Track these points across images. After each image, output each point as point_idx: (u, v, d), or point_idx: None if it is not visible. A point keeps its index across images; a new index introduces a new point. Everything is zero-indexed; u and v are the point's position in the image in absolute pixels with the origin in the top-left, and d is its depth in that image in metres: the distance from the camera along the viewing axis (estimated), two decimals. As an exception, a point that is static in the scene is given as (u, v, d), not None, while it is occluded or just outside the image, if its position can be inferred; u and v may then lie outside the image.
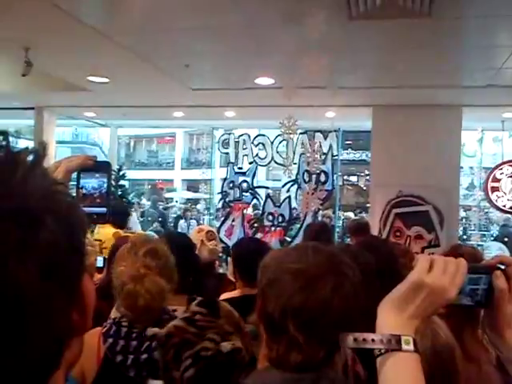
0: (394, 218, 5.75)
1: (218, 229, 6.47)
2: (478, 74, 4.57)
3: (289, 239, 6.43)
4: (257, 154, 6.71)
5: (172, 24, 3.45)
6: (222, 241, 5.90)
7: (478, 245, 8.33)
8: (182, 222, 12.89)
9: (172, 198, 18.72)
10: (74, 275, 0.48)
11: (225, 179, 6.95)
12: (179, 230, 10.71)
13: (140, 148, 24.21)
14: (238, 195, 6.77)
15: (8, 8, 3.18)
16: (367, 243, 1.94)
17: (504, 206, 6.08)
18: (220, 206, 7.11)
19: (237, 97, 5.69)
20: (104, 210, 1.14)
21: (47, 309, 0.43)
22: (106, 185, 1.14)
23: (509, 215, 8.50)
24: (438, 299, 0.83)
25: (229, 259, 4.31)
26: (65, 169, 1.09)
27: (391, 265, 1.64)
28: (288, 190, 6.62)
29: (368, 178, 10.23)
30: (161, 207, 15.33)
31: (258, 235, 6.37)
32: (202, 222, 12.45)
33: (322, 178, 6.34)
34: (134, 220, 8.48)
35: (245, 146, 6.75)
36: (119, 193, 8.24)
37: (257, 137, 6.81)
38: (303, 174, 6.44)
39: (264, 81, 4.93)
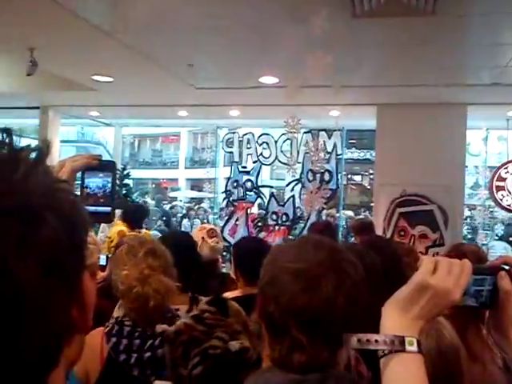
0: (399, 217, 5.73)
1: (222, 228, 6.48)
2: (483, 72, 4.54)
3: (293, 238, 6.42)
4: (261, 153, 6.71)
5: (176, 23, 3.46)
6: (225, 240, 5.90)
7: (483, 244, 8.29)
8: (185, 221, 12.87)
9: (176, 197, 18.73)
10: (74, 273, 0.48)
11: (229, 178, 6.95)
12: (183, 229, 10.72)
13: (144, 147, 24.21)
14: (241, 194, 6.77)
15: (11, 7, 3.20)
16: (371, 243, 1.93)
17: (509, 205, 6.05)
18: (224, 205, 7.10)
19: (241, 96, 5.68)
20: (108, 209, 1.13)
21: (46, 305, 0.43)
22: (110, 184, 1.14)
23: (514, 214, 8.44)
24: (442, 301, 0.83)
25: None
26: (70, 168, 1.08)
27: (395, 265, 1.63)
28: (292, 189, 6.61)
29: (372, 177, 10.19)
30: (166, 206, 15.33)
31: (262, 234, 6.38)
32: (206, 221, 12.43)
33: (326, 177, 6.33)
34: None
35: (249, 145, 6.75)
36: (123, 192, 8.25)
37: (261, 136, 6.81)
38: (307, 173, 6.43)
39: (268, 79, 4.92)
